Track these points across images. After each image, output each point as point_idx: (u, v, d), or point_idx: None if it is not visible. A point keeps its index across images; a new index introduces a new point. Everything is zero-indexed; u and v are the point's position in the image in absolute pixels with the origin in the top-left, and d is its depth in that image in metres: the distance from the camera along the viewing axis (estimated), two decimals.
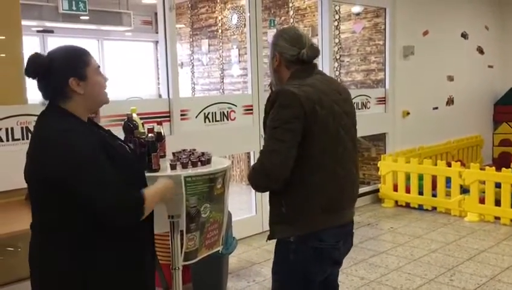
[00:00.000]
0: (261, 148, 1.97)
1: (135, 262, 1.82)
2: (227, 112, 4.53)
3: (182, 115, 4.16)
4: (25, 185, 3.03)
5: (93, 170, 1.64)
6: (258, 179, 1.97)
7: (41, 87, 1.75)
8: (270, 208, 2.06)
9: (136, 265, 1.82)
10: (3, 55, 3.17)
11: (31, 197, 1.79)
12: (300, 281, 2.02)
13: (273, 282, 2.13)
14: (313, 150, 1.93)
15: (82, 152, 1.64)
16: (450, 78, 7.13)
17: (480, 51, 7.64)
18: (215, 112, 4.44)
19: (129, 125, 2.35)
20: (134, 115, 2.44)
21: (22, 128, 3.17)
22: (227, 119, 4.53)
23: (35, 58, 1.72)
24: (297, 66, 2.08)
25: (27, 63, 1.72)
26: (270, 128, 1.93)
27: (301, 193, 1.94)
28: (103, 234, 1.70)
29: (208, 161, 2.41)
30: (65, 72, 1.71)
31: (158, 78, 8.87)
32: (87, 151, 1.65)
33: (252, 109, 4.72)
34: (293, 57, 2.06)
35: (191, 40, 8.53)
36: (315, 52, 2.09)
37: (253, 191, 4.86)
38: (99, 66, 1.81)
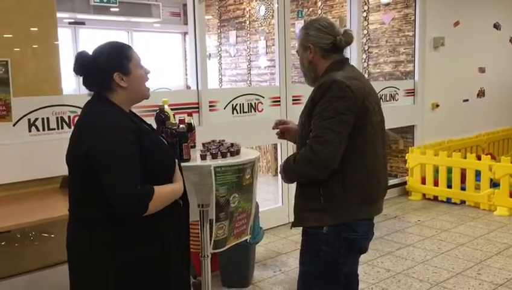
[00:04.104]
0: (311, 137, 1.92)
1: (157, 252, 1.85)
2: (255, 103, 4.57)
3: (210, 106, 4.21)
4: (60, 173, 3.14)
5: (119, 154, 1.70)
6: (305, 169, 1.93)
7: (87, 82, 1.86)
8: (301, 196, 2.06)
9: (158, 254, 1.86)
10: (36, 46, 3.25)
11: (70, 179, 1.86)
12: (331, 272, 2.04)
13: (302, 272, 2.13)
14: (359, 143, 1.95)
15: (115, 132, 1.73)
16: (482, 70, 6.99)
17: None
18: (243, 104, 4.47)
19: (161, 116, 2.41)
20: (166, 107, 2.50)
21: (57, 118, 3.26)
22: (255, 111, 4.57)
23: (81, 55, 1.83)
24: (334, 54, 2.08)
25: (74, 61, 1.82)
26: (323, 118, 1.90)
27: (343, 184, 1.95)
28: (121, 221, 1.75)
29: (237, 152, 2.45)
30: (110, 67, 1.80)
31: (186, 70, 8.97)
32: (120, 133, 1.73)
33: (279, 101, 4.74)
34: (328, 45, 2.06)
35: (219, 31, 8.57)
36: (350, 37, 2.09)
37: (280, 182, 4.90)
38: (140, 60, 1.89)
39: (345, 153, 1.91)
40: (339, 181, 1.94)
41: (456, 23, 6.46)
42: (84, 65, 1.82)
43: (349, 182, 1.95)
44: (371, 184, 2.01)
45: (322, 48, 2.07)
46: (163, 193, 1.78)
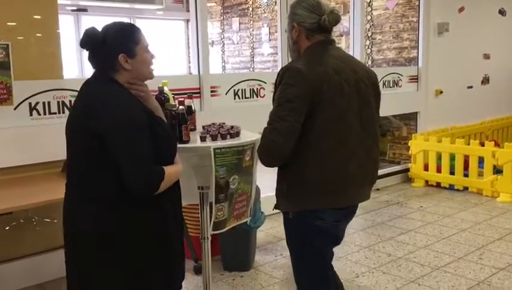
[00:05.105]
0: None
1: (159, 227, 1.87)
2: (257, 89, 4.55)
3: (212, 91, 4.20)
4: (61, 157, 3.15)
5: (136, 133, 1.71)
6: (260, 154, 1.97)
7: (92, 58, 1.85)
8: (276, 181, 2.10)
9: (160, 230, 1.88)
10: (40, 34, 3.25)
11: (71, 151, 1.84)
12: (309, 253, 2.08)
13: (290, 254, 2.19)
14: (316, 131, 1.89)
15: (131, 110, 1.74)
16: (486, 57, 6.94)
17: None
18: (244, 89, 4.46)
19: (160, 98, 2.39)
20: (166, 88, 2.49)
21: (58, 102, 3.27)
22: (257, 97, 4.55)
23: (91, 31, 1.81)
24: (318, 34, 2.02)
25: (83, 36, 1.81)
26: (275, 106, 1.91)
27: (301, 172, 1.93)
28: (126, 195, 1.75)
29: (237, 134, 2.45)
30: (116, 47, 1.80)
31: (189, 57, 8.94)
32: (136, 112, 1.75)
33: None
34: (313, 24, 2.00)
35: (222, 18, 8.54)
36: (336, 17, 2.02)
37: None
38: (148, 45, 1.89)
39: (302, 140, 1.88)
40: (299, 169, 1.93)
41: (461, 9, 6.40)
42: (93, 41, 1.80)
43: (308, 170, 1.92)
44: (332, 174, 1.93)
45: (306, 27, 2.01)
46: (171, 173, 1.81)
